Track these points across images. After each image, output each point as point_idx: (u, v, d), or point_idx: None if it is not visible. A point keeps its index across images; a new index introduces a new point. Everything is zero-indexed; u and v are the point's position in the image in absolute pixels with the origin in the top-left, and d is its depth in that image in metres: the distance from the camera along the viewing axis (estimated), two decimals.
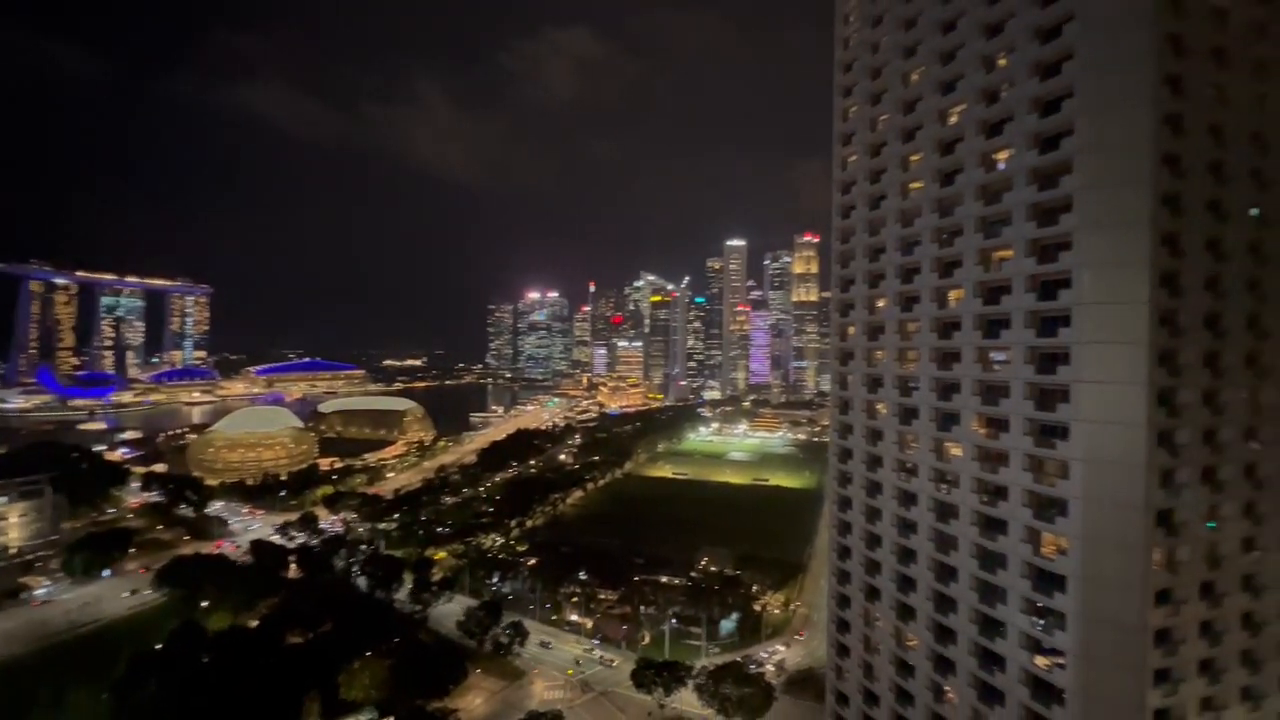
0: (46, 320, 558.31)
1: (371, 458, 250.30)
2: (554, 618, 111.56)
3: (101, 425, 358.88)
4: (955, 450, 52.06)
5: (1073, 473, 41.58)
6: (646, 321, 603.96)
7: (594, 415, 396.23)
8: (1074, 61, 42.14)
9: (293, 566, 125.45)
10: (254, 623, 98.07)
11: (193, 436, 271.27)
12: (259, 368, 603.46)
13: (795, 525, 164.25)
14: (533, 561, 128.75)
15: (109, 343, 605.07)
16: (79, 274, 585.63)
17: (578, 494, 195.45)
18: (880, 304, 61.90)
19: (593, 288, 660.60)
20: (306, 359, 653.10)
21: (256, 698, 73.47)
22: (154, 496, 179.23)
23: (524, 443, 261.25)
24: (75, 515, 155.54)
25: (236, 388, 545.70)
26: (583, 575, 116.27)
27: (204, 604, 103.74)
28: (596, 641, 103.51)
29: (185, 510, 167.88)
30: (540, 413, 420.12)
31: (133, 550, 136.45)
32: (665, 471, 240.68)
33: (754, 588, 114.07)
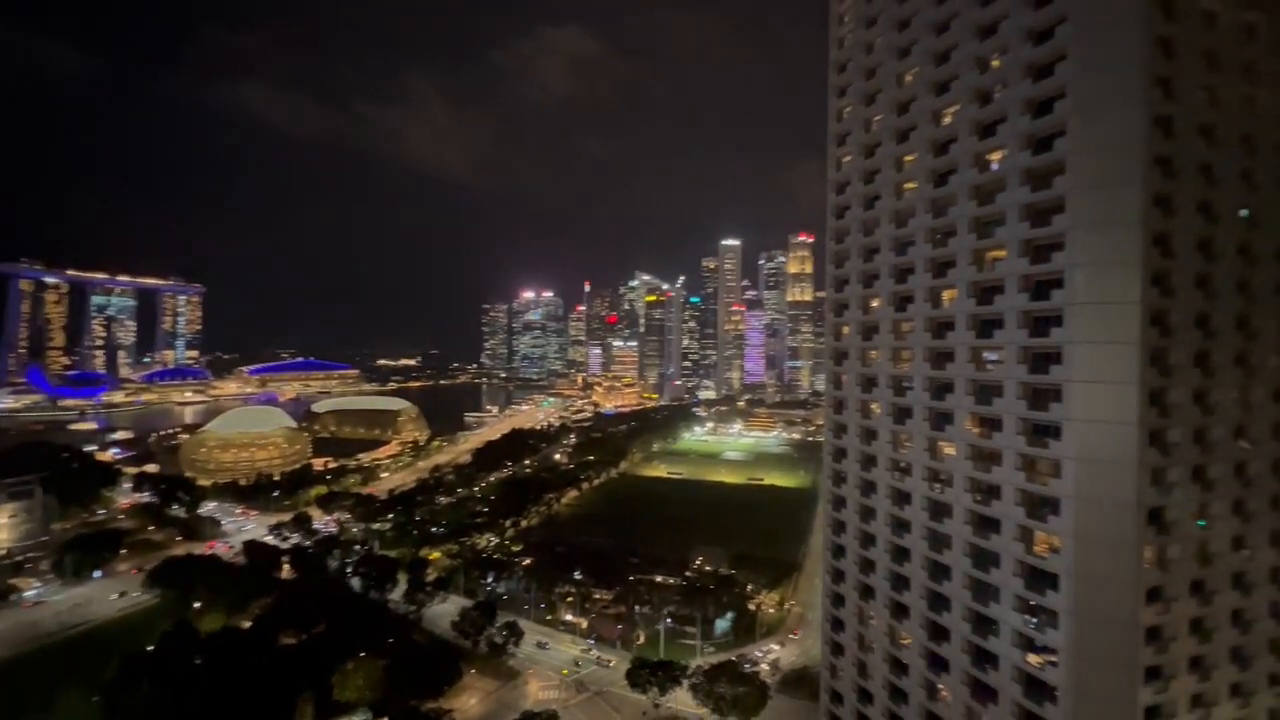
0: (37, 319, 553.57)
1: (366, 458, 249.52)
2: (549, 618, 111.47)
3: (92, 425, 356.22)
4: (949, 449, 52.29)
5: (1065, 472, 41.85)
6: (641, 321, 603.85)
7: (589, 415, 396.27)
8: (1066, 63, 42.39)
9: (286, 567, 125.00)
10: (247, 624, 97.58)
11: (185, 436, 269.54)
12: (252, 367, 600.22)
13: (790, 524, 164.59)
14: (528, 561, 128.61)
15: (100, 342, 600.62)
16: (70, 273, 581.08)
17: (573, 494, 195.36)
18: (874, 304, 62.12)
19: (588, 287, 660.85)
20: (300, 358, 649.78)
21: (249, 699, 73.13)
22: (146, 497, 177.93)
23: (519, 442, 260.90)
24: (66, 516, 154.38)
25: (229, 387, 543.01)
26: (578, 575, 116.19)
27: (196, 605, 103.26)
28: (591, 641, 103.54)
29: (177, 511, 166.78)
30: (535, 412, 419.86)
31: (124, 551, 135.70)
32: (660, 471, 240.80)
33: (749, 587, 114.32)
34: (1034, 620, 43.84)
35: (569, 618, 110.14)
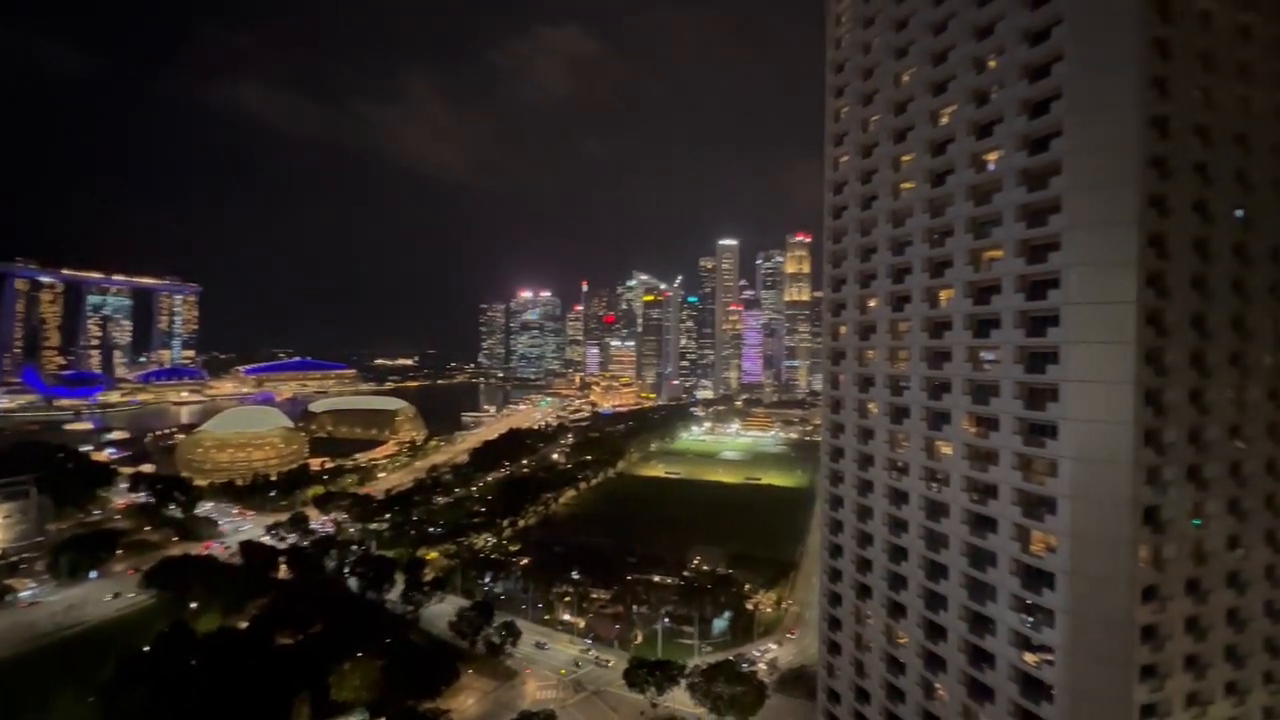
0: (32, 319, 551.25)
1: (363, 458, 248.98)
2: (546, 617, 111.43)
3: (88, 425, 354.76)
4: (946, 449, 52.40)
5: (1061, 471, 41.98)
6: (639, 321, 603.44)
7: (587, 414, 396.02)
8: (1063, 64, 42.50)
9: (283, 567, 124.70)
10: (243, 624, 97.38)
11: (181, 436, 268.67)
12: (249, 367, 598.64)
13: (787, 524, 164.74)
14: (525, 561, 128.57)
15: (96, 342, 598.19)
16: (65, 272, 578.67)
17: (570, 493, 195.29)
18: (872, 304, 62.22)
19: (585, 287, 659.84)
20: (297, 358, 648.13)
21: (246, 699, 72.95)
22: (142, 497, 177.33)
23: (516, 442, 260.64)
24: (61, 516, 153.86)
25: (226, 387, 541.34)
26: (575, 575, 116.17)
27: (193, 605, 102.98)
28: (589, 641, 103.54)
29: (174, 511, 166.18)
30: (533, 412, 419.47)
31: (120, 552, 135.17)
32: (658, 471, 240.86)
33: (746, 586, 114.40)
34: (1030, 619, 43.97)
35: (567, 617, 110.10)
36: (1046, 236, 43.23)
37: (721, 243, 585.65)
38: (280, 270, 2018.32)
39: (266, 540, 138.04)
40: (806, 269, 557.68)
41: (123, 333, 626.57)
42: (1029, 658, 44.01)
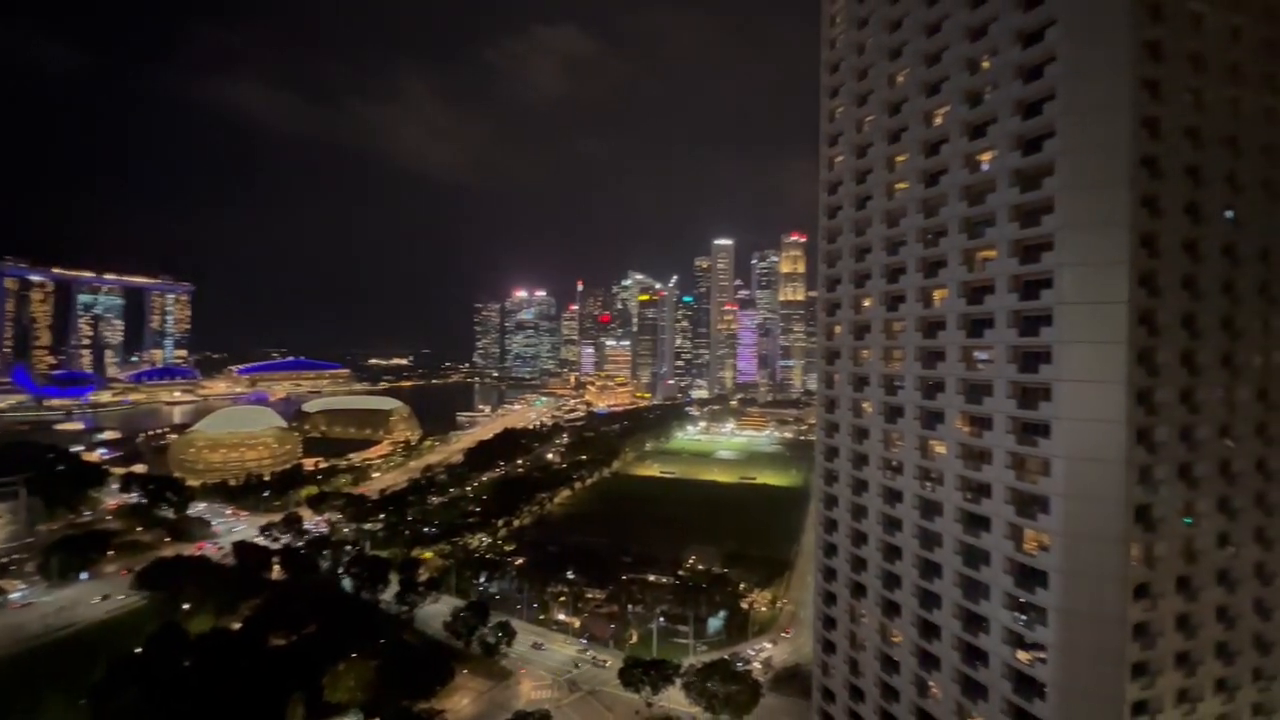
0: (22, 318, 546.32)
1: (357, 458, 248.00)
2: (542, 617, 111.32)
3: (79, 425, 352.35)
4: (940, 448, 52.63)
5: (1054, 470, 42.24)
6: (634, 320, 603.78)
7: (582, 414, 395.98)
8: (1056, 65, 42.75)
9: (276, 568, 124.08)
10: (237, 625, 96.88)
11: (174, 436, 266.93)
12: (242, 367, 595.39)
13: (782, 523, 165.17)
14: (520, 561, 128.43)
15: (87, 341, 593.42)
16: (55, 271, 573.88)
17: (565, 493, 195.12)
18: (866, 303, 62.41)
19: (580, 286, 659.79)
20: (290, 358, 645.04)
21: (239, 701, 72.58)
22: (133, 498, 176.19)
23: (511, 442, 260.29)
24: (52, 517, 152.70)
25: (219, 387, 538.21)
26: (570, 574, 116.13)
27: (185, 606, 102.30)
28: (584, 641, 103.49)
29: (166, 512, 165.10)
30: (527, 412, 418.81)
31: (111, 553, 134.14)
32: (653, 470, 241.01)
33: (741, 586, 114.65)
34: (1023, 617, 44.23)
35: (562, 617, 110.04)
36: (1039, 237, 43.48)
37: (717, 242, 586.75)
38: (274, 269, 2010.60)
39: (260, 541, 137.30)
40: (801, 269, 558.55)
41: (114, 332, 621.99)
42: (1022, 655, 44.28)
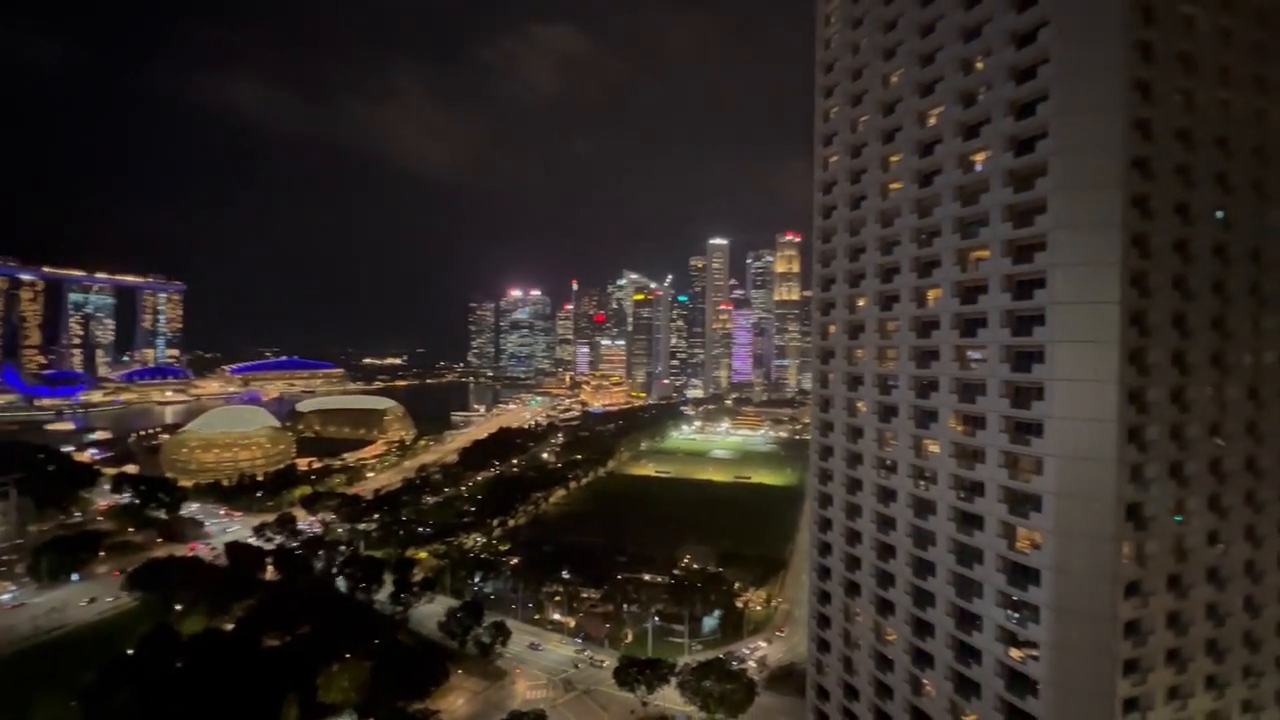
0: (11, 317, 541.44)
1: (351, 457, 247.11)
2: (537, 617, 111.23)
3: (70, 425, 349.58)
4: (933, 447, 52.84)
5: (1047, 468, 42.48)
6: (629, 320, 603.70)
7: (577, 414, 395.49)
8: (1049, 66, 42.93)
9: (270, 568, 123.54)
10: (230, 626, 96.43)
11: (166, 437, 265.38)
12: (234, 366, 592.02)
13: (777, 522, 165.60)
14: (515, 561, 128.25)
15: (77, 341, 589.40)
16: (46, 270, 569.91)
17: (560, 493, 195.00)
18: (860, 303, 62.58)
19: (575, 286, 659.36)
20: (284, 357, 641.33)
21: (232, 702, 72.22)
22: (125, 498, 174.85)
23: (506, 441, 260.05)
24: (42, 518, 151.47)
25: (211, 387, 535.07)
26: (565, 574, 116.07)
27: (178, 607, 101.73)
28: (579, 641, 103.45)
29: (158, 512, 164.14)
30: (522, 411, 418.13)
31: (103, 554, 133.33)
32: (648, 470, 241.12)
33: (736, 585, 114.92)
34: (1016, 615, 44.47)
35: (557, 617, 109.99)
36: (1032, 237, 43.71)
37: (712, 242, 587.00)
38: (267, 268, 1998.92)
39: (253, 541, 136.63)
40: (796, 268, 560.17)
41: (105, 331, 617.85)
42: (1015, 653, 44.49)
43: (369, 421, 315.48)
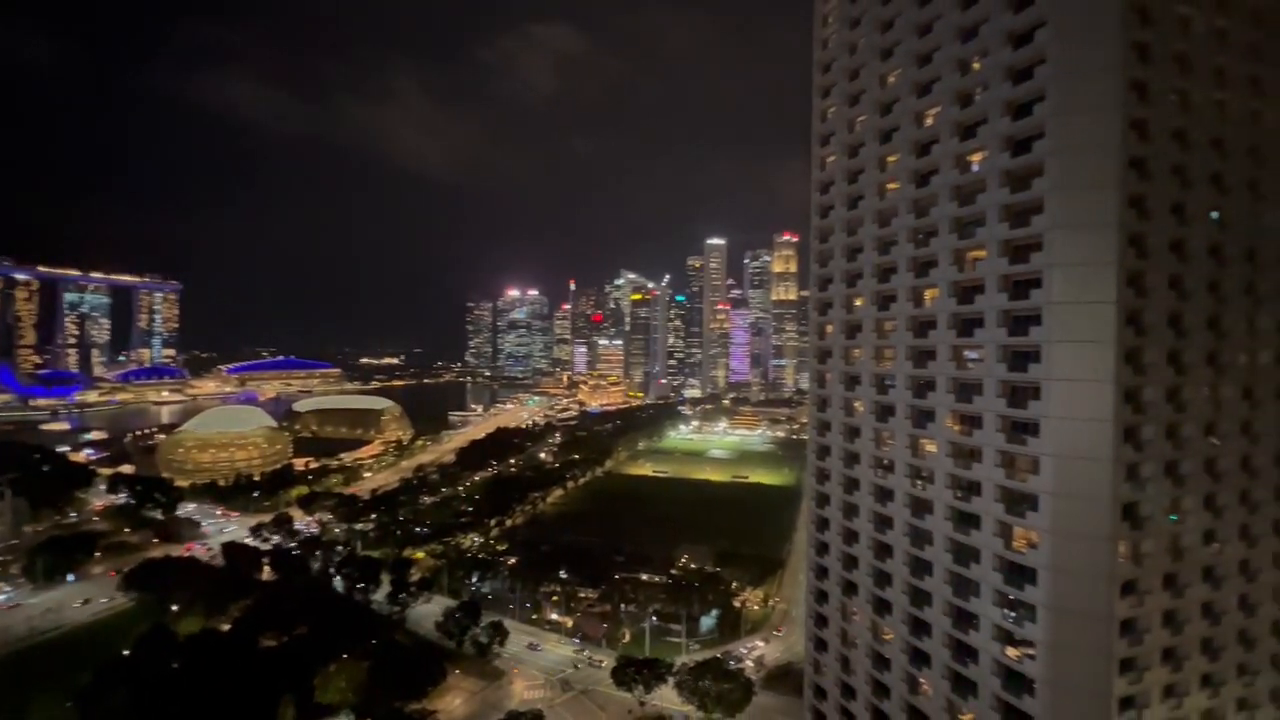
0: (6, 317, 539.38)
1: (348, 457, 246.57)
2: (534, 617, 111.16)
3: (65, 425, 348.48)
4: (930, 447, 52.95)
5: (1043, 468, 42.59)
6: (627, 320, 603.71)
7: (574, 413, 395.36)
8: (1046, 66, 43.04)
9: (267, 569, 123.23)
10: (226, 626, 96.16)
11: (162, 436, 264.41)
12: (231, 366, 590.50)
13: (774, 522, 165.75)
14: (512, 561, 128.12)
15: (73, 340, 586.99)
16: (41, 269, 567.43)
17: (558, 492, 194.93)
18: (858, 303, 62.68)
19: (573, 286, 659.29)
20: (280, 357, 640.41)
21: (229, 702, 72.01)
22: (121, 499, 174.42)
23: (504, 441, 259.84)
24: (37, 518, 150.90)
25: (208, 386, 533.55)
26: (563, 574, 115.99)
27: (174, 608, 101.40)
28: (577, 640, 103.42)
29: (154, 513, 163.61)
30: (520, 411, 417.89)
31: (99, 554, 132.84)
32: (645, 469, 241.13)
33: (733, 584, 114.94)
34: (1012, 614, 44.58)
35: (554, 617, 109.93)
36: (1029, 237, 43.81)
37: (709, 242, 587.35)
38: (265, 268, 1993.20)
39: (250, 541, 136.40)
40: (793, 268, 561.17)
41: (101, 331, 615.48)
42: (1011, 652, 44.62)
43: (366, 421, 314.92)
